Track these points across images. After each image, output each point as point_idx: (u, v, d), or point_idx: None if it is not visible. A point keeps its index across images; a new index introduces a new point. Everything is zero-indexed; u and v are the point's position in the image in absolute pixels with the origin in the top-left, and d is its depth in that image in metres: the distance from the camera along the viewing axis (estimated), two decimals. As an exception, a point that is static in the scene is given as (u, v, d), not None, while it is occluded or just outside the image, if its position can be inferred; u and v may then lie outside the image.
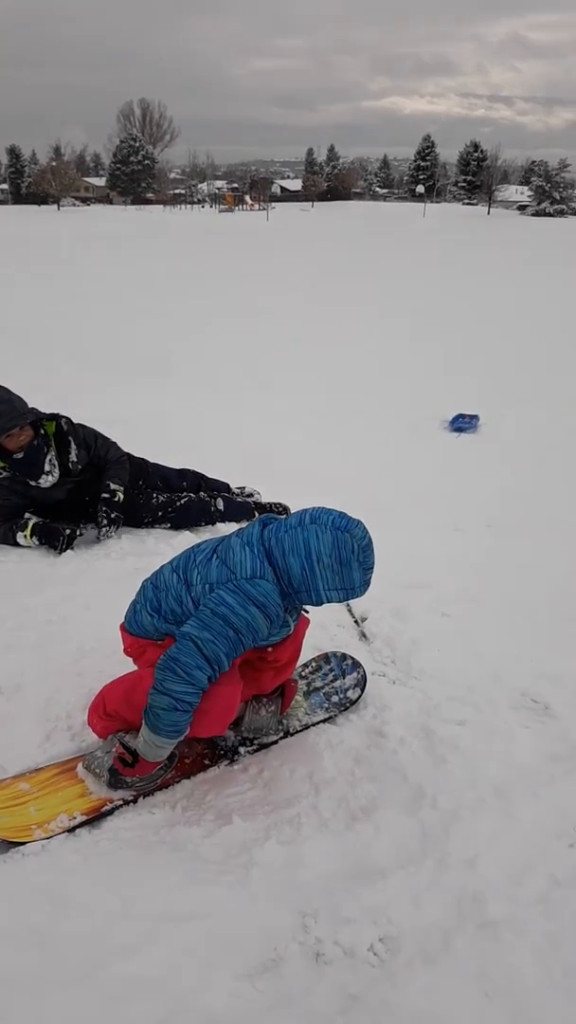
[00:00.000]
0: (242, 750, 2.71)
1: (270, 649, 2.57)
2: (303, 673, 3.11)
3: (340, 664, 3.16)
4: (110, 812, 2.41)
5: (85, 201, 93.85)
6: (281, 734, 2.81)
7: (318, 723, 2.89)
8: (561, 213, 71.90)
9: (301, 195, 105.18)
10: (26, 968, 1.83)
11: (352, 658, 3.19)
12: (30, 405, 3.94)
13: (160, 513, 4.31)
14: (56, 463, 3.98)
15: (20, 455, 3.89)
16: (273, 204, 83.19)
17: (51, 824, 2.32)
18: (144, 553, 4.04)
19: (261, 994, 1.84)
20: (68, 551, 3.98)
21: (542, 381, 10.04)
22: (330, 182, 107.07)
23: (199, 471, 4.64)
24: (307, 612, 2.67)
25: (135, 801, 2.46)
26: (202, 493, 4.50)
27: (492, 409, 8.52)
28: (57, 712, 2.78)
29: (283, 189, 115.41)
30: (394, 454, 7.05)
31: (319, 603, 2.33)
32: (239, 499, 4.58)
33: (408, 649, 3.34)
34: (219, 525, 4.38)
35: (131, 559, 3.97)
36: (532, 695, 3.08)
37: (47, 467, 3.95)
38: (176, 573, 2.46)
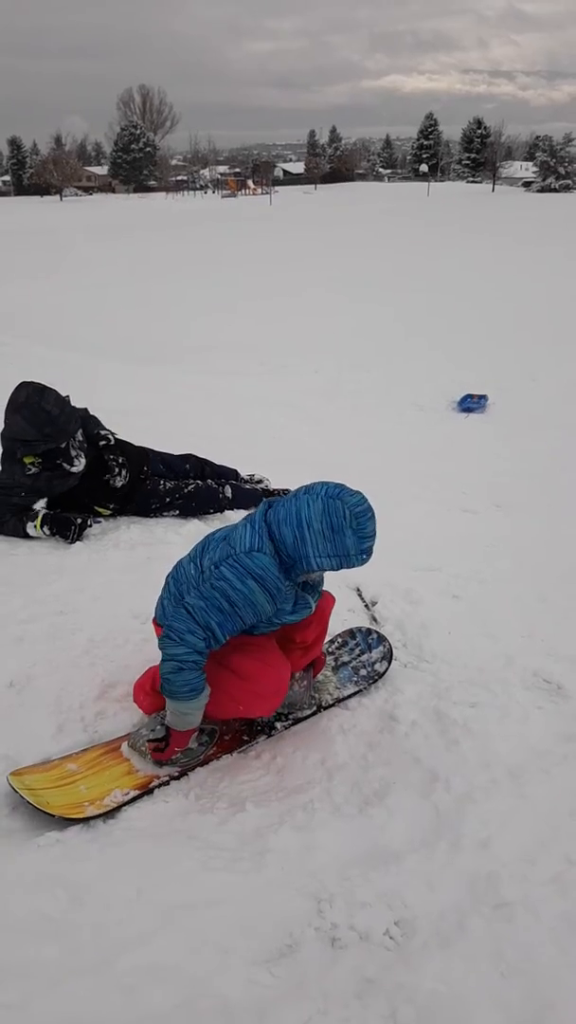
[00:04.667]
0: (279, 725, 2.76)
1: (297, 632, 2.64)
2: (330, 649, 3.14)
3: (365, 639, 3.20)
4: (159, 787, 2.47)
5: (87, 190, 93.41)
6: (314, 708, 2.85)
7: (349, 697, 2.92)
8: (567, 188, 71.01)
9: (304, 178, 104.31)
10: (42, 958, 1.84)
11: (377, 632, 3.23)
12: None
13: (168, 499, 4.29)
14: (75, 447, 3.99)
15: (63, 445, 3.90)
16: (276, 188, 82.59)
17: (106, 800, 2.38)
18: (154, 542, 4.04)
19: (277, 979, 1.85)
20: (78, 542, 3.98)
21: (552, 361, 9.97)
22: (333, 164, 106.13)
23: (202, 457, 4.62)
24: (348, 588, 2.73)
25: (179, 777, 2.51)
26: (210, 480, 4.48)
27: (501, 389, 8.48)
28: (69, 703, 2.79)
29: (285, 172, 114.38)
30: (403, 436, 7.03)
31: (313, 570, 2.33)
32: (248, 486, 4.56)
33: (419, 632, 3.33)
34: (228, 513, 4.36)
35: (141, 549, 3.97)
36: (544, 675, 3.07)
37: (73, 452, 3.96)
38: (194, 563, 2.50)
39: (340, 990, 1.83)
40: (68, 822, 2.28)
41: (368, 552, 2.29)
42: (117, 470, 4.15)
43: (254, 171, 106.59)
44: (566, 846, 2.22)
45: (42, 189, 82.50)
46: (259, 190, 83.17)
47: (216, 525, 4.21)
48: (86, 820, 2.31)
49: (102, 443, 4.15)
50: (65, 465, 3.94)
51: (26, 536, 4.00)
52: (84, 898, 2.02)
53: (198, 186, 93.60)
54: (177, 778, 2.51)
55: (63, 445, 3.89)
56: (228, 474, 4.63)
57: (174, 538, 4.07)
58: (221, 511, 4.37)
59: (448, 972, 1.86)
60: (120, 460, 4.17)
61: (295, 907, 2.04)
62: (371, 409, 7.93)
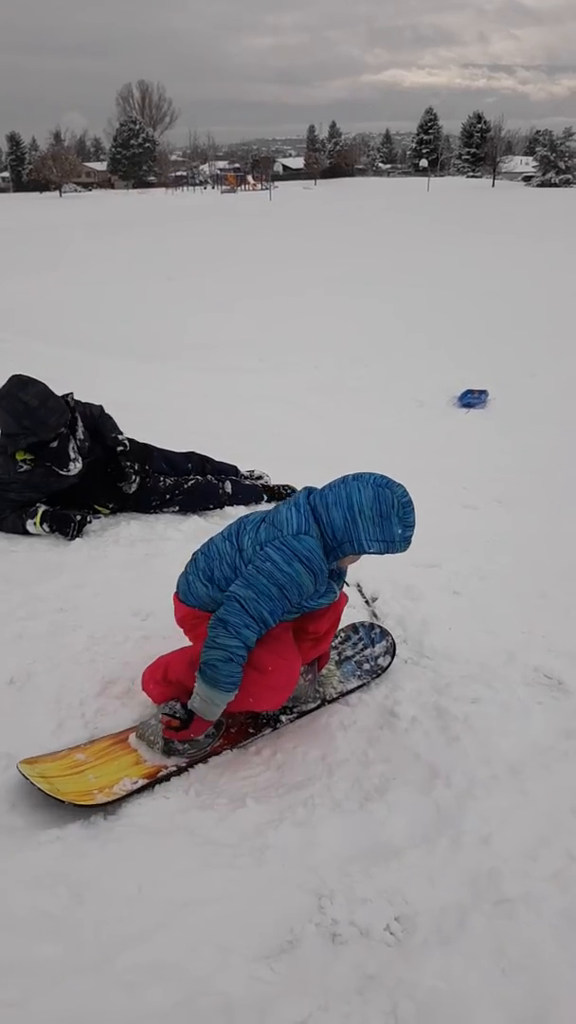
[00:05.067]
0: (283, 718, 2.77)
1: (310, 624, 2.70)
2: (333, 644, 3.15)
3: (368, 633, 3.22)
4: (166, 778, 2.48)
5: (87, 186, 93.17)
6: (319, 702, 2.87)
7: (352, 690, 2.94)
8: (567, 183, 70.89)
9: (304, 173, 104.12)
10: (43, 955, 1.83)
11: (380, 627, 3.25)
12: None
13: (168, 496, 4.29)
14: (76, 449, 3.98)
15: (55, 444, 3.89)
16: (275, 183, 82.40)
17: (115, 788, 2.39)
18: (154, 539, 4.04)
19: (278, 976, 1.84)
20: (78, 538, 3.98)
21: (552, 356, 9.95)
22: (332, 159, 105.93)
23: (203, 454, 4.62)
24: (347, 584, 2.80)
25: (187, 769, 2.52)
26: (210, 476, 4.47)
27: (501, 384, 8.47)
28: (69, 700, 2.79)
29: (285, 168, 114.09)
30: (403, 431, 7.02)
31: (361, 552, 2.42)
32: (247, 482, 4.56)
33: (419, 628, 3.33)
34: (227, 508, 4.36)
35: (141, 545, 3.97)
36: (545, 671, 3.06)
37: (72, 455, 3.95)
38: (228, 541, 2.56)
39: (341, 986, 1.83)
40: (71, 816, 2.29)
41: (409, 541, 2.40)
42: (133, 477, 4.16)
43: (254, 166, 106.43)
44: (567, 842, 2.22)
45: (41, 185, 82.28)
46: (259, 186, 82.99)
47: (216, 521, 4.22)
48: (96, 807, 2.33)
49: (120, 449, 4.15)
50: (56, 468, 3.93)
51: (26, 533, 3.99)
52: (85, 895, 2.02)
53: (197, 182, 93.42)
54: (185, 769, 2.52)
55: (53, 444, 3.87)
56: (228, 470, 4.63)
57: (174, 534, 4.06)
58: (221, 507, 4.37)
59: (449, 968, 1.86)
60: (135, 467, 4.16)
61: (296, 903, 2.03)
62: (371, 405, 7.92)
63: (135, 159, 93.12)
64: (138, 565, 3.73)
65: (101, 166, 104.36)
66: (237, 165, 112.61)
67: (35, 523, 3.97)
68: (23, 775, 2.35)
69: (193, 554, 2.69)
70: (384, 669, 3.04)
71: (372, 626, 3.26)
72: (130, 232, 31.61)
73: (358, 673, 3.03)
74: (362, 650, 3.14)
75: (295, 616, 2.59)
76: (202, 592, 2.56)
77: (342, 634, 3.22)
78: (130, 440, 4.29)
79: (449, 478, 5.47)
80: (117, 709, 2.77)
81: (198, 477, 4.40)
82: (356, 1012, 1.78)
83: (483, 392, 8.18)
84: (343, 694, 2.92)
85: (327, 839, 2.24)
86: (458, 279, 16.64)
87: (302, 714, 2.81)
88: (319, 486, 2.52)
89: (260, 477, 4.68)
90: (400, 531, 2.36)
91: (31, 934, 1.90)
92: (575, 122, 74.53)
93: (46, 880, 2.05)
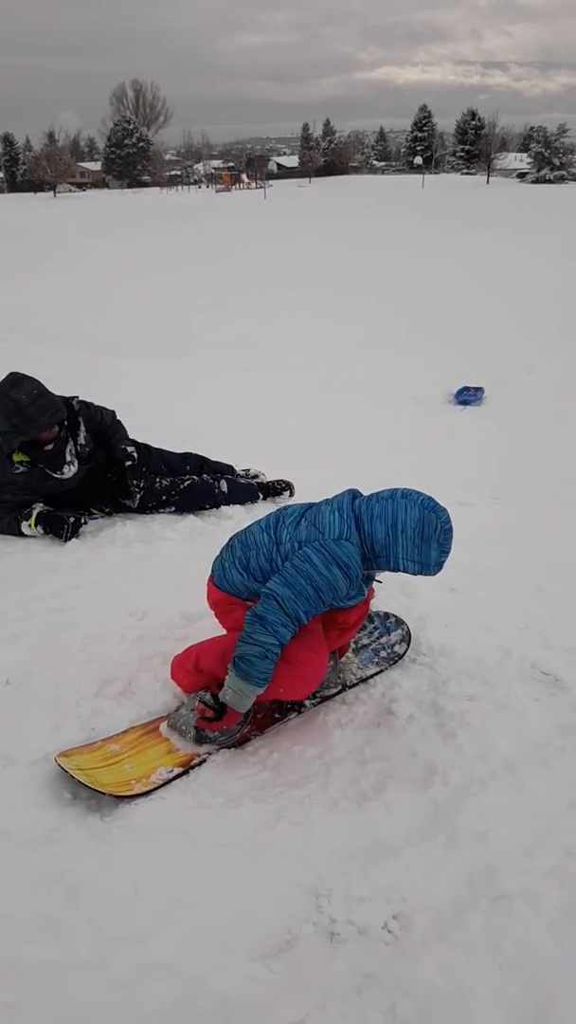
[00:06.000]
0: (307, 703, 2.82)
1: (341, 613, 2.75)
2: None
3: (384, 622, 3.28)
4: (199, 764, 2.54)
5: (81, 186, 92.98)
6: (339, 687, 2.92)
7: (371, 676, 2.99)
8: (562, 179, 70.80)
9: (298, 171, 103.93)
10: (40, 956, 1.83)
11: (395, 616, 3.30)
12: None
13: (164, 497, 4.28)
14: (74, 452, 3.96)
15: (50, 447, 3.87)
16: (270, 182, 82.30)
17: (152, 777, 2.44)
18: (150, 539, 4.03)
19: (276, 975, 1.84)
20: (73, 539, 3.97)
21: (548, 353, 9.95)
22: (327, 157, 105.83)
23: (201, 454, 4.62)
24: (379, 580, 2.82)
25: (212, 754, 2.57)
26: (206, 476, 4.47)
27: (498, 381, 8.47)
28: (66, 701, 2.78)
29: (279, 166, 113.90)
30: (399, 429, 7.02)
31: (395, 570, 2.49)
32: (243, 480, 4.55)
33: (416, 625, 3.32)
34: (223, 508, 4.36)
35: (136, 545, 3.96)
36: (542, 667, 3.06)
37: (68, 458, 3.93)
38: (266, 533, 2.61)
39: (339, 985, 1.83)
40: (67, 817, 2.29)
41: (442, 567, 2.48)
42: (137, 495, 4.15)
43: (248, 165, 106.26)
44: (564, 838, 2.21)
45: (36, 186, 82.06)
46: (253, 184, 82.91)
47: (212, 520, 4.22)
48: (135, 796, 2.36)
49: (128, 463, 4.14)
50: (48, 471, 3.91)
51: (21, 534, 3.98)
52: (81, 896, 2.01)
53: (192, 181, 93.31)
54: (211, 755, 2.56)
55: (49, 447, 3.86)
56: (224, 470, 4.62)
57: (170, 534, 4.06)
58: (217, 507, 4.37)
59: (447, 966, 1.85)
60: (140, 485, 4.16)
61: (293, 902, 2.03)
62: (367, 403, 7.91)
63: (129, 159, 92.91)
64: (134, 565, 3.73)
65: (95, 166, 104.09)
66: (232, 164, 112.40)
67: (29, 525, 3.96)
68: (62, 768, 2.39)
69: (229, 540, 2.73)
70: (400, 656, 3.09)
71: (387, 615, 3.31)
72: (125, 232, 31.57)
73: (375, 660, 3.09)
74: (378, 638, 3.20)
75: (323, 611, 2.61)
76: (237, 580, 2.62)
77: None
78: (133, 442, 4.28)
79: (445, 475, 5.46)
80: (114, 709, 2.76)
81: (194, 477, 4.39)
82: (354, 1011, 1.77)
83: (479, 389, 8.18)
84: (362, 680, 2.97)
85: (324, 838, 2.24)
86: (453, 276, 16.64)
87: (324, 699, 2.87)
88: (365, 492, 2.57)
89: (255, 476, 4.68)
90: (436, 555, 2.43)
91: (28, 935, 1.90)
92: (569, 118, 74.56)
93: (42, 881, 2.05)
